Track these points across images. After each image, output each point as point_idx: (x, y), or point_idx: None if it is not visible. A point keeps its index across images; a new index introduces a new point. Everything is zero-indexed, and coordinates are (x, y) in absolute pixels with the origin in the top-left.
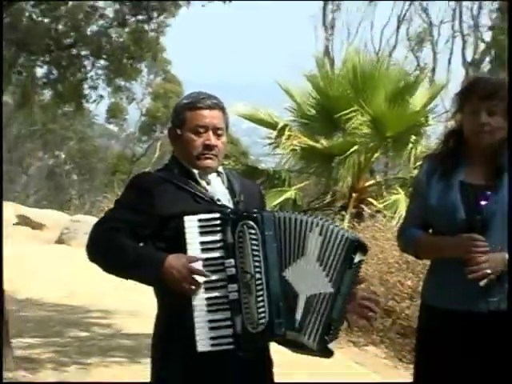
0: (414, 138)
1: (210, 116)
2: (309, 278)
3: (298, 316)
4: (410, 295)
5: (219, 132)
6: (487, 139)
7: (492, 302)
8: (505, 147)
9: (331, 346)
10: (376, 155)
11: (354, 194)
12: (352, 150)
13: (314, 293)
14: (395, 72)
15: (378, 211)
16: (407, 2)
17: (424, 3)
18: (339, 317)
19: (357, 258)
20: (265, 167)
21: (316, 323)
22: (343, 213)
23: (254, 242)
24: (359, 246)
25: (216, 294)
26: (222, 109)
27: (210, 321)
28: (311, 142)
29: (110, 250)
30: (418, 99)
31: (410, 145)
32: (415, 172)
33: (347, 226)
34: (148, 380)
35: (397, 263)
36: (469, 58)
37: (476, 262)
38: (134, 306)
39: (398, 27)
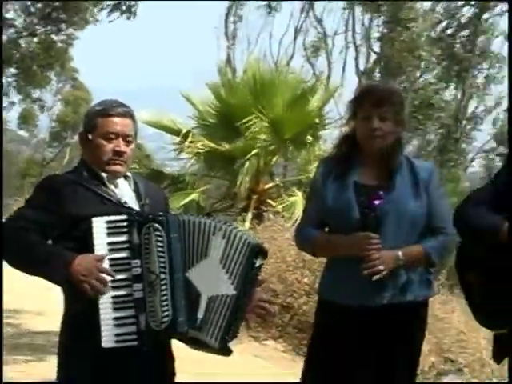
0: (310, 139)
1: (120, 124)
2: (211, 279)
3: (200, 315)
4: (307, 292)
5: (129, 139)
6: (379, 143)
7: (386, 296)
8: (396, 150)
9: (231, 344)
10: (275, 158)
11: (254, 196)
12: (252, 153)
13: (216, 294)
14: (293, 80)
15: (277, 212)
16: (303, 14)
17: (319, 15)
18: (239, 317)
19: (258, 262)
20: (170, 171)
21: (218, 323)
22: (244, 214)
23: (159, 243)
24: (260, 251)
25: (121, 292)
26: (133, 117)
27: (116, 318)
28: (213, 145)
29: (20, 247)
30: (314, 104)
31: (307, 146)
32: (312, 174)
33: (248, 226)
34: (55, 376)
35: (294, 262)
36: (361, 67)
37: (370, 259)
38: (41, 304)
39: (295, 38)
